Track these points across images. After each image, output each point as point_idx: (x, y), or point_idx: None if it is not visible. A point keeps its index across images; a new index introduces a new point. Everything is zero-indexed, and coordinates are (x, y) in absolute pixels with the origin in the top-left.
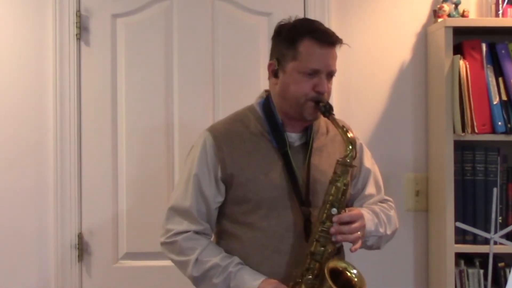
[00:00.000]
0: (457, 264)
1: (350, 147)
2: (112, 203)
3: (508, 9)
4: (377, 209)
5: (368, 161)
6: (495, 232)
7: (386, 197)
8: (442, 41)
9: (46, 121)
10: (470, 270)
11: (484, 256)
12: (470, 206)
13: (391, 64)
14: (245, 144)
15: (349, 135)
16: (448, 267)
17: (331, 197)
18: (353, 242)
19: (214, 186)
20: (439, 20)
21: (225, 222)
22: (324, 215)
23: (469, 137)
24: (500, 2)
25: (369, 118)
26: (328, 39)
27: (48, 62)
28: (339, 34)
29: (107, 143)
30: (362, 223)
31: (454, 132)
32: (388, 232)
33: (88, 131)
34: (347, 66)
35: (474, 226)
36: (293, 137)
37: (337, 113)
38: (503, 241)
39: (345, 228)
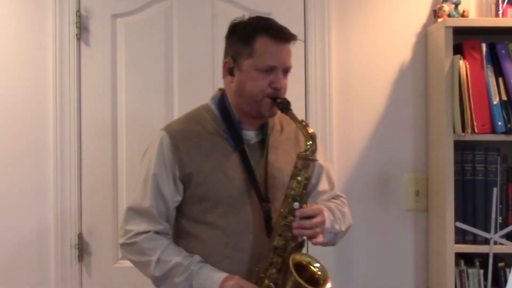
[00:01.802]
0: (457, 264)
1: (310, 142)
2: (112, 203)
3: (508, 9)
4: (332, 206)
5: (321, 157)
6: (495, 232)
7: (339, 194)
8: (442, 41)
9: (46, 121)
10: (470, 270)
11: (484, 256)
12: (470, 206)
13: (391, 64)
14: (202, 143)
15: (309, 129)
16: (448, 267)
17: (292, 191)
18: (311, 236)
19: (172, 186)
20: (439, 20)
21: (184, 222)
22: (286, 209)
23: (469, 137)
24: (500, 2)
25: (369, 118)
26: (283, 36)
27: (48, 62)
28: (339, 34)
29: (107, 143)
30: (323, 218)
31: (454, 132)
32: (343, 229)
33: (88, 131)
34: (347, 66)
35: (474, 226)
36: (250, 134)
37: (337, 113)
38: (503, 241)
39: (306, 222)
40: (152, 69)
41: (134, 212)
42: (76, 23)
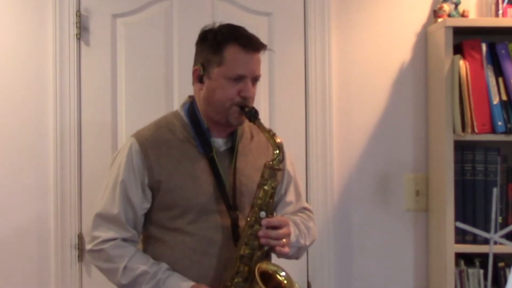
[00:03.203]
0: (457, 264)
1: (277, 151)
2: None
3: (508, 9)
4: (298, 221)
5: (290, 166)
6: (495, 232)
7: (306, 205)
8: (442, 41)
9: (46, 121)
10: (470, 270)
11: (484, 256)
12: (470, 206)
13: (391, 64)
14: (172, 151)
15: (276, 139)
16: (448, 267)
17: (259, 201)
18: (276, 247)
19: (140, 193)
20: (439, 20)
21: (152, 228)
22: (253, 218)
23: (469, 137)
24: (500, 2)
25: (369, 118)
26: (252, 45)
27: (48, 62)
28: (339, 34)
29: (107, 143)
30: (289, 230)
31: (454, 132)
32: (307, 243)
33: (88, 131)
34: (347, 66)
35: (474, 226)
36: (219, 142)
37: (337, 113)
38: (503, 241)
39: (272, 232)
40: (152, 69)
41: (102, 218)
42: (76, 23)
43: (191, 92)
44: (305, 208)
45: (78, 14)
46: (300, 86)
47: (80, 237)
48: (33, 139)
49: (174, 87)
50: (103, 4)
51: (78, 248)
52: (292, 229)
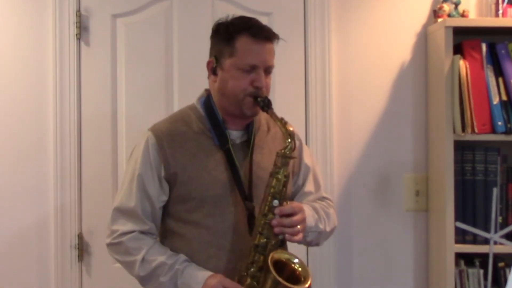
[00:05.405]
0: (457, 264)
1: (289, 139)
2: (112, 203)
3: (508, 9)
4: (317, 206)
5: (308, 158)
6: (495, 232)
7: (325, 195)
8: (442, 41)
9: (46, 121)
10: (470, 270)
11: (484, 256)
12: (470, 206)
13: (391, 64)
14: (188, 143)
15: (288, 127)
16: (448, 267)
17: (272, 189)
18: (292, 235)
19: (157, 185)
20: (439, 20)
21: (170, 221)
22: (266, 207)
23: (469, 137)
24: (500, 2)
25: (369, 118)
26: (263, 35)
27: (48, 62)
28: (339, 34)
29: (107, 143)
30: (303, 216)
31: (454, 132)
32: (328, 229)
33: (88, 131)
34: (347, 66)
35: (474, 226)
36: (235, 134)
37: (337, 113)
38: (503, 241)
39: (286, 220)
40: (152, 69)
41: (120, 212)
42: (76, 23)
43: (192, 92)
44: (325, 197)
45: (78, 14)
46: (300, 86)
47: (80, 237)
48: (33, 139)
49: (174, 87)
50: (103, 4)
51: (78, 248)
52: (311, 213)
